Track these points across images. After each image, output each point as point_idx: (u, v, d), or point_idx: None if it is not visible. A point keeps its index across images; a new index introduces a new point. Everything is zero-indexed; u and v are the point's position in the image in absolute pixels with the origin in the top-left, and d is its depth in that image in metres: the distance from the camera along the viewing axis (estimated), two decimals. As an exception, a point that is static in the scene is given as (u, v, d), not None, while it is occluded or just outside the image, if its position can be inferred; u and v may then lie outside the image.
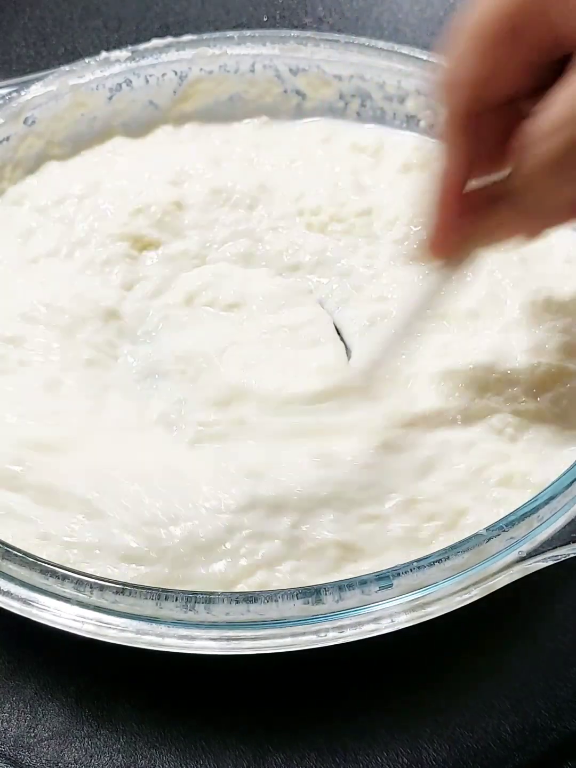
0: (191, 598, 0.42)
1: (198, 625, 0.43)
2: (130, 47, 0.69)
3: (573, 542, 0.45)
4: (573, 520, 0.45)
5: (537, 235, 0.48)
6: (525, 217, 0.47)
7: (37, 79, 0.67)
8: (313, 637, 0.43)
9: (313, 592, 0.43)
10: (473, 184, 0.48)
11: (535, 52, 0.44)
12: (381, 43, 0.69)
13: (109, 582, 0.43)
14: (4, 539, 0.46)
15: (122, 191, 0.64)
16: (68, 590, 0.43)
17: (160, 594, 0.43)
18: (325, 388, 0.54)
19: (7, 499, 0.49)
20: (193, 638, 0.43)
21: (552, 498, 0.45)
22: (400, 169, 0.67)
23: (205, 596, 0.43)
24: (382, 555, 0.48)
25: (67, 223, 0.63)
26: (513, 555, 0.44)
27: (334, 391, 0.54)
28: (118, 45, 0.71)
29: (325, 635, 0.43)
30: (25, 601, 0.44)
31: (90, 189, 0.65)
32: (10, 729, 0.47)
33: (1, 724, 0.47)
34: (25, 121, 0.66)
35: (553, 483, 0.46)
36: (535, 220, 0.47)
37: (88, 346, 0.57)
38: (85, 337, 0.57)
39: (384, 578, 0.43)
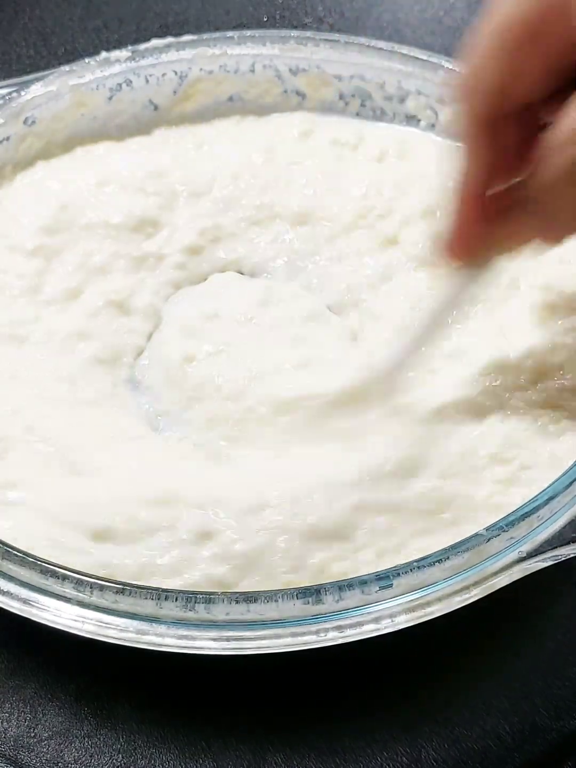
0: (191, 598, 0.43)
1: (198, 625, 0.43)
2: (130, 47, 0.69)
3: (573, 542, 0.45)
4: (573, 520, 0.45)
5: (557, 241, 0.48)
6: (544, 223, 0.47)
7: (37, 79, 0.67)
8: (313, 637, 0.43)
9: (313, 592, 0.43)
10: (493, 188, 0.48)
11: (554, 56, 0.44)
12: (381, 43, 0.69)
13: (109, 582, 0.43)
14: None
15: (100, 199, 0.64)
16: (68, 590, 0.43)
17: (160, 594, 0.43)
18: (345, 389, 0.54)
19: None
20: (193, 638, 0.43)
21: (552, 498, 0.45)
22: (374, 158, 0.67)
23: (205, 596, 0.43)
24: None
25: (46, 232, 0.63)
26: (513, 555, 0.44)
27: (354, 393, 0.53)
28: (118, 45, 0.71)
29: (325, 635, 0.43)
30: (25, 601, 0.44)
31: (72, 196, 0.64)
32: (10, 729, 0.47)
33: (1, 724, 0.47)
34: (25, 121, 0.66)
35: (553, 483, 0.46)
36: (553, 228, 0.47)
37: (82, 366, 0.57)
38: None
39: (384, 578, 0.43)
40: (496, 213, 0.47)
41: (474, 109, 0.46)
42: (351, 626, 0.43)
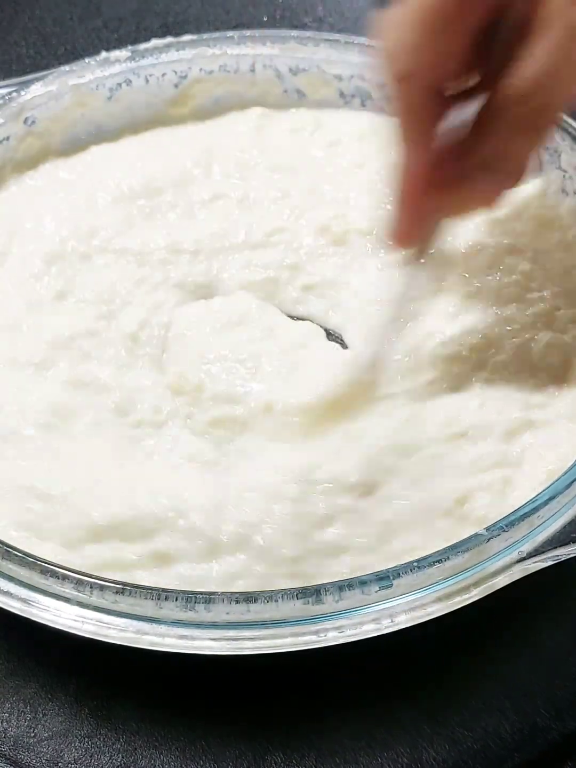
0: (191, 598, 0.43)
1: (198, 625, 0.43)
2: (130, 47, 0.69)
3: (573, 542, 0.45)
4: (573, 520, 0.45)
5: (499, 198, 0.49)
6: (493, 181, 0.48)
7: (37, 79, 0.67)
8: (313, 637, 0.43)
9: (313, 592, 0.43)
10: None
11: (478, 28, 0.45)
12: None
13: (109, 582, 0.43)
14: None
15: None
16: (68, 590, 0.43)
17: (160, 594, 0.43)
18: (334, 392, 0.54)
19: None
20: (193, 638, 0.43)
21: (552, 498, 0.45)
22: (326, 144, 0.68)
23: (205, 596, 0.43)
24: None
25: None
26: (513, 555, 0.44)
27: (338, 395, 0.54)
28: (118, 45, 0.71)
29: (325, 635, 0.43)
30: (25, 601, 0.44)
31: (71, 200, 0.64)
32: (10, 729, 0.47)
33: (1, 724, 0.47)
34: (25, 121, 0.66)
35: (553, 483, 0.46)
36: (501, 183, 0.48)
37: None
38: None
39: (384, 578, 0.43)
40: (440, 187, 0.48)
41: (411, 97, 0.46)
42: (351, 626, 0.43)
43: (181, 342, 0.58)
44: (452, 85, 0.47)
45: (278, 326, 0.59)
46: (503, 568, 0.44)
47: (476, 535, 0.44)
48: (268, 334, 0.58)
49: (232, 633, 0.43)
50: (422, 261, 0.52)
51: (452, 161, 0.47)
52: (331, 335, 0.60)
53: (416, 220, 0.50)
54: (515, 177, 0.48)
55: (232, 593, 0.43)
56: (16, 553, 0.44)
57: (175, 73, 0.70)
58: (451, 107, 0.47)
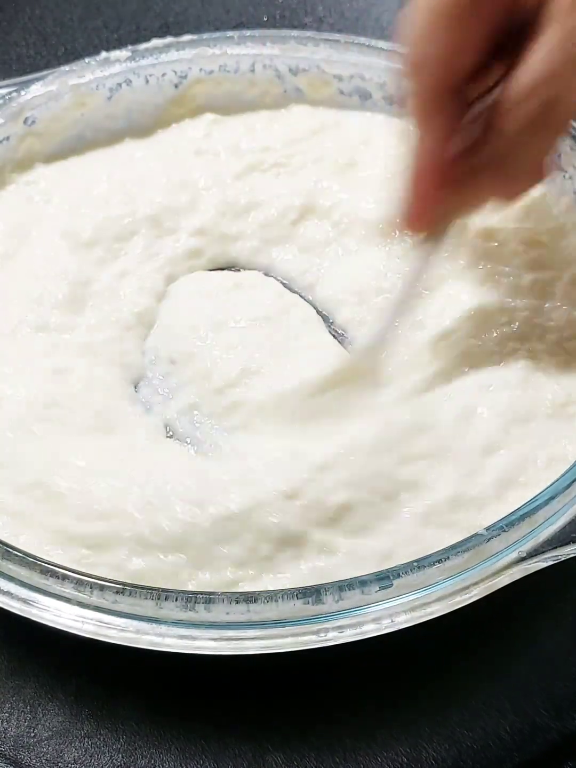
0: (191, 598, 0.43)
1: (198, 625, 0.43)
2: (130, 47, 0.69)
3: (573, 542, 0.45)
4: (573, 520, 0.45)
5: (515, 197, 0.50)
6: (504, 180, 0.48)
7: (37, 79, 0.67)
8: (313, 637, 0.43)
9: (313, 592, 0.43)
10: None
11: (493, 23, 0.46)
12: (381, 43, 0.69)
13: (109, 582, 0.43)
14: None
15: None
16: (68, 590, 0.43)
17: (160, 594, 0.43)
18: (329, 375, 0.54)
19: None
20: (193, 638, 0.43)
21: (552, 498, 0.45)
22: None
23: (205, 596, 0.43)
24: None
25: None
26: (513, 555, 0.44)
27: (339, 377, 0.54)
28: (118, 45, 0.71)
29: (325, 635, 0.43)
30: (25, 601, 0.44)
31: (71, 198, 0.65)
32: (10, 729, 0.47)
33: (1, 724, 0.47)
34: (25, 121, 0.66)
35: (553, 483, 0.46)
36: (514, 183, 0.49)
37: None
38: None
39: (384, 578, 0.43)
40: (453, 180, 0.49)
41: (425, 84, 0.47)
42: (351, 626, 0.43)
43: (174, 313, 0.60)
44: (469, 84, 0.47)
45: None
46: (503, 568, 0.44)
47: (476, 535, 0.44)
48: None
49: (232, 633, 0.43)
50: (433, 248, 0.52)
51: (464, 158, 0.48)
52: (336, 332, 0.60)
53: (427, 208, 0.50)
54: (525, 178, 0.49)
55: (232, 593, 0.43)
56: (16, 553, 0.44)
57: (175, 73, 0.70)
58: (468, 107, 0.48)
